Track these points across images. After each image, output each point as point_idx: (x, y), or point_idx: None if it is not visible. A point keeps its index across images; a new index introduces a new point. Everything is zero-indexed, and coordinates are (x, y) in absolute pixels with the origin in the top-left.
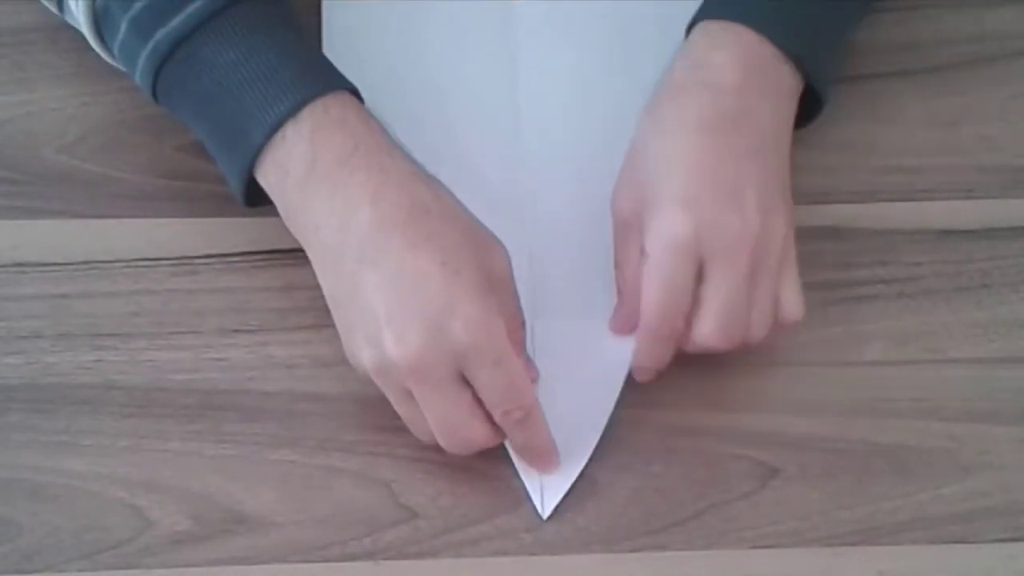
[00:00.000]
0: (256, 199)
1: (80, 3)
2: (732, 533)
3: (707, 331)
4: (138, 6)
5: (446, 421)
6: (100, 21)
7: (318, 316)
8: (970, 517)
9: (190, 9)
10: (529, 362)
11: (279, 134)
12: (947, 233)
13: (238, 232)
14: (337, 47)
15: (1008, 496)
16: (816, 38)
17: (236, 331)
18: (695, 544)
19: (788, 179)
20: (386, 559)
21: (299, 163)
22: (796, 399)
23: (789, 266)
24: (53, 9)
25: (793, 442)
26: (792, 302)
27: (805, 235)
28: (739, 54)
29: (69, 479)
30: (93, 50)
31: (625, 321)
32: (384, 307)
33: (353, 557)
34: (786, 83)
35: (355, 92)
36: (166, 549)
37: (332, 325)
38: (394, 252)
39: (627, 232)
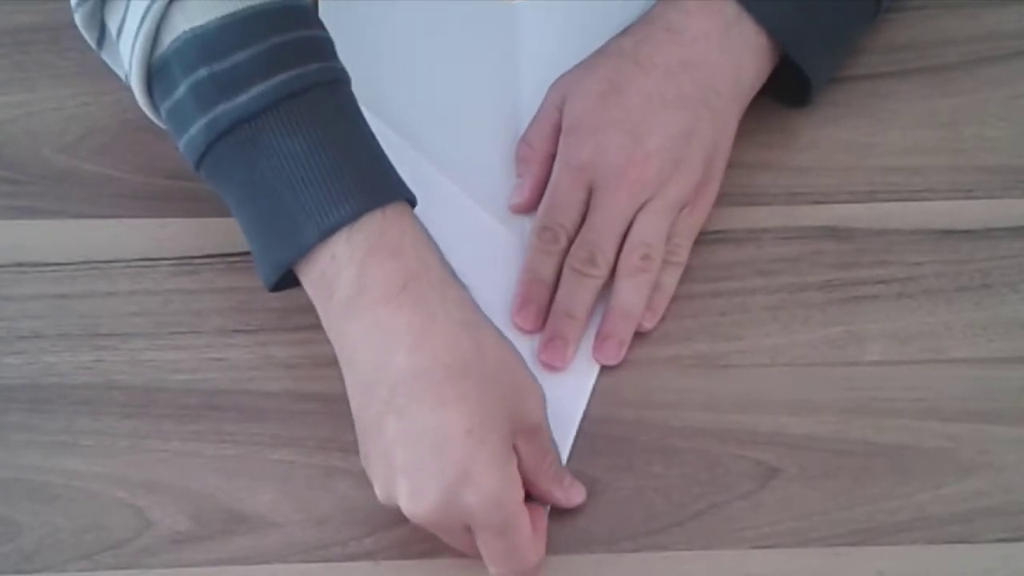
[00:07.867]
0: (281, 285)
1: (136, 49)
2: (732, 533)
3: (576, 250)
4: (202, 72)
5: (458, 549)
6: (154, 74)
7: (318, 316)
8: (970, 517)
9: (257, 90)
10: (574, 486)
11: (328, 252)
12: (947, 233)
13: (239, 232)
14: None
15: (1008, 496)
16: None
17: (236, 331)
18: (695, 544)
19: (722, 140)
20: (386, 559)
21: (345, 287)
22: (796, 399)
23: (690, 219)
24: (91, 43)
25: (793, 442)
26: (683, 247)
27: (805, 235)
28: (706, 7)
29: (69, 479)
30: (94, 50)
31: (525, 197)
32: (402, 459)
33: (353, 557)
34: (750, 41)
35: (412, 201)
36: (166, 549)
37: None
38: (423, 408)
39: (550, 112)
